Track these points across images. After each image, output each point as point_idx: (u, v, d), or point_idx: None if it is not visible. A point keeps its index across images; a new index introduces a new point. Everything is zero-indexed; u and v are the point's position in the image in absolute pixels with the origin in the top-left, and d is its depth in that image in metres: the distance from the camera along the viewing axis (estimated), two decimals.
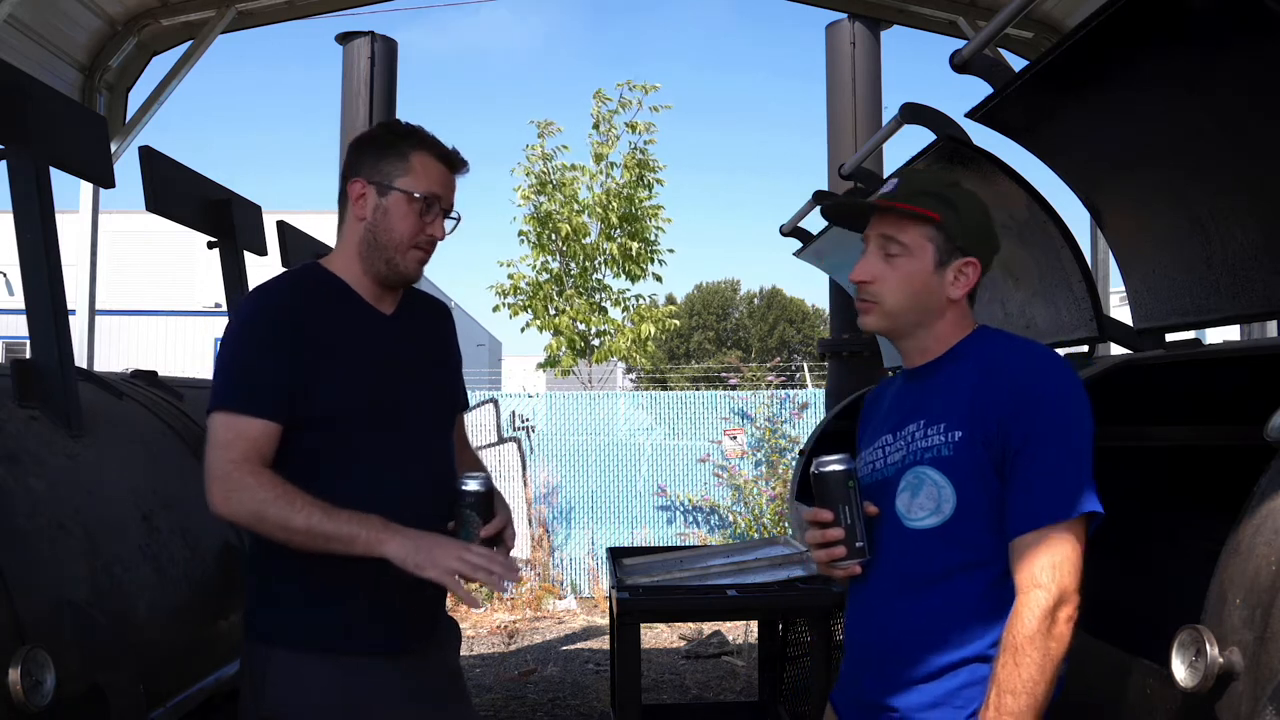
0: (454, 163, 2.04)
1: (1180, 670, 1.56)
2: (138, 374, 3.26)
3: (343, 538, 1.82)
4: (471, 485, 1.94)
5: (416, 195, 1.97)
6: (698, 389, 14.61)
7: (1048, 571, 1.52)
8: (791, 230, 5.44)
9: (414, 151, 1.99)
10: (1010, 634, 1.52)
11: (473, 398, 2.70)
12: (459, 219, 2.07)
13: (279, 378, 1.90)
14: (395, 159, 1.99)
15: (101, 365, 5.13)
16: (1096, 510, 1.56)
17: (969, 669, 1.60)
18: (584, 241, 11.88)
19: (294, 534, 1.83)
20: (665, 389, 20.99)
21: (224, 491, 1.84)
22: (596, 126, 12.15)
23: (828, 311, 6.89)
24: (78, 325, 6.54)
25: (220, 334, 2.26)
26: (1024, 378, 1.61)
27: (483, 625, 8.13)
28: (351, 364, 1.97)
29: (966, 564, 1.61)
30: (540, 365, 12.60)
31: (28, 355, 2.41)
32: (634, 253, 11.89)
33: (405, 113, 8.85)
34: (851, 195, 5.05)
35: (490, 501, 1.96)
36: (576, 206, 11.95)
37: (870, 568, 1.69)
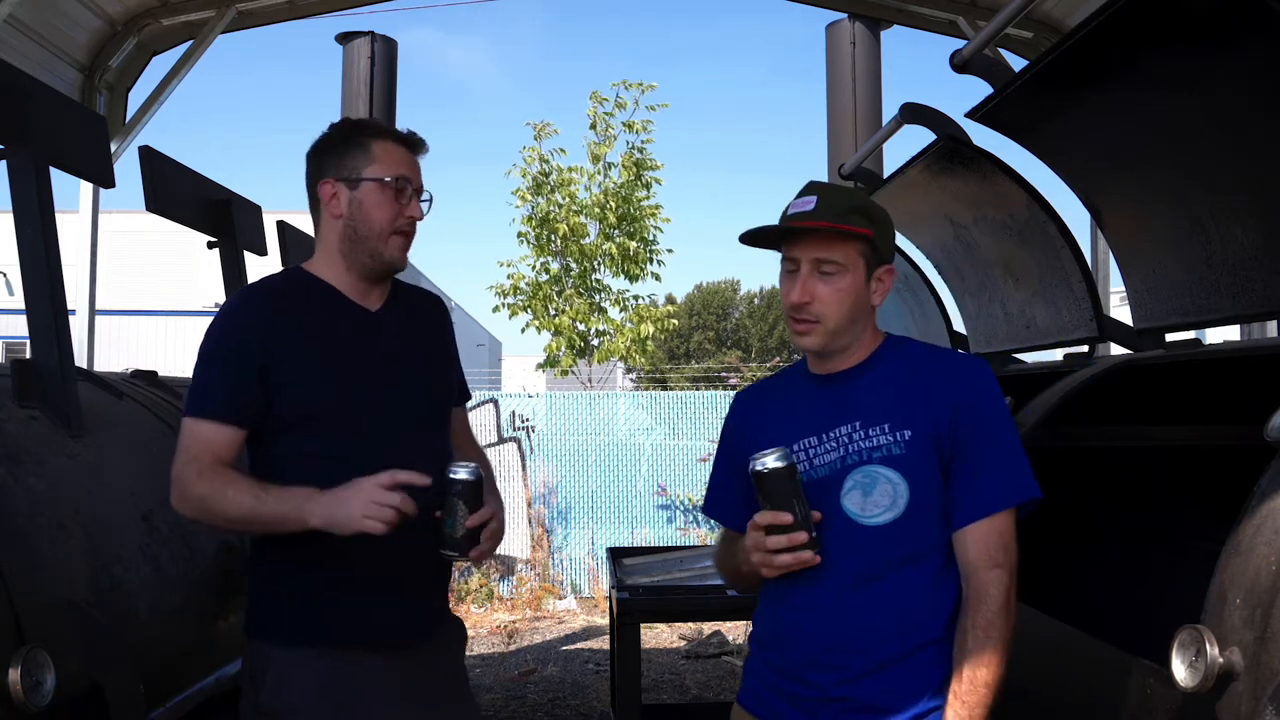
0: (413, 144, 2.06)
1: (1180, 670, 1.56)
2: (138, 374, 3.26)
3: (274, 520, 1.84)
4: (459, 474, 1.92)
5: (387, 180, 1.98)
6: (698, 389, 14.61)
7: (1003, 553, 1.66)
8: None
9: (374, 141, 2.01)
10: (980, 611, 1.63)
11: (473, 397, 2.70)
12: (431, 198, 2.08)
13: (243, 384, 1.90)
14: (358, 152, 2.00)
15: (101, 365, 5.13)
16: (1039, 495, 1.70)
17: (925, 652, 1.68)
18: (583, 242, 11.88)
19: (234, 524, 1.88)
20: (665, 389, 20.99)
21: (176, 492, 1.90)
22: (593, 127, 12.15)
23: None
24: (78, 325, 6.54)
25: None
26: (967, 381, 1.75)
27: (483, 625, 8.13)
28: (339, 363, 1.97)
29: (915, 555, 1.70)
30: (540, 365, 12.59)
31: (28, 355, 2.41)
32: (633, 252, 11.88)
33: (405, 112, 8.85)
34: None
35: (478, 491, 1.94)
36: (575, 207, 11.94)
37: (819, 565, 1.71)
